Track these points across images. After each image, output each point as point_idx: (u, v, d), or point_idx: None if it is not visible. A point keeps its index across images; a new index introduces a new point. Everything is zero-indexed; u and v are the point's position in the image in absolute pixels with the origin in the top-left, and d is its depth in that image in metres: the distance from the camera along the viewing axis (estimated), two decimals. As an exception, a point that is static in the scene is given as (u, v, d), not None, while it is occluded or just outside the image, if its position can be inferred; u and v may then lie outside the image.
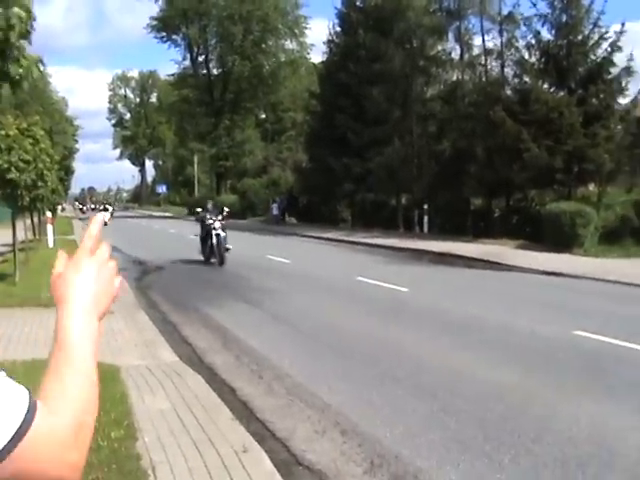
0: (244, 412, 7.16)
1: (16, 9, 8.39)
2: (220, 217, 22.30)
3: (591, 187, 32.14)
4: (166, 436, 5.99)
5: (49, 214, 30.30)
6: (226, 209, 23.41)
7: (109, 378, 7.52)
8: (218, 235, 21.58)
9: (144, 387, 7.63)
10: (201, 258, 22.57)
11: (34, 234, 29.40)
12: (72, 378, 1.09)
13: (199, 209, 23.85)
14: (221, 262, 21.56)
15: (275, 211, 52.18)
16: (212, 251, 21.81)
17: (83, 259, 1.20)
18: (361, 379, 8.46)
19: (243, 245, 27.39)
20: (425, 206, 37.13)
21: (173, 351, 9.83)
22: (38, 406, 1.01)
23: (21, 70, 8.56)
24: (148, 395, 7.28)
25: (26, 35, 8.55)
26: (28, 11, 8.68)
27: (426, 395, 7.65)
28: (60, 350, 1.12)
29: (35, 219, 29.83)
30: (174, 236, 39.39)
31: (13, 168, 14.35)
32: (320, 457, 5.92)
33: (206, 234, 22.15)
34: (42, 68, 9.64)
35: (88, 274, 1.19)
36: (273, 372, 8.87)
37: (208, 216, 22.32)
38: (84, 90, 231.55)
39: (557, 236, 24.79)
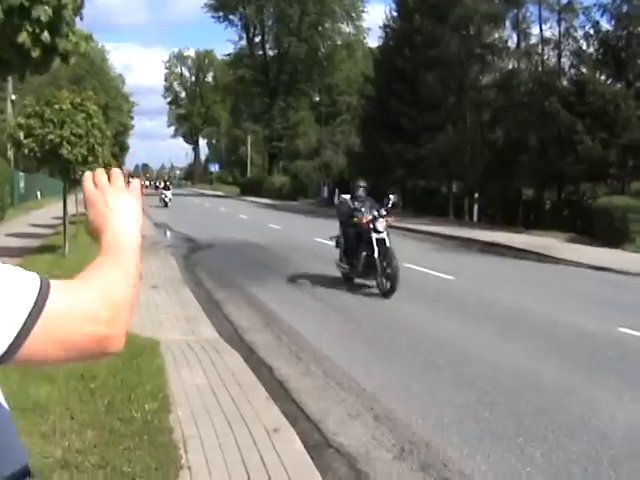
0: (279, 392, 7.20)
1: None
2: (384, 211, 13.46)
3: (646, 182, 31.59)
4: (199, 411, 6.05)
5: (101, 189, 30.66)
6: (392, 197, 14.02)
7: (148, 351, 7.63)
8: (382, 242, 13.03)
9: (182, 362, 7.71)
10: (337, 274, 14.63)
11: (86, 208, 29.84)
12: (108, 266, 1.25)
13: (345, 195, 14.99)
14: (390, 289, 12.75)
15: (325, 194, 52.17)
16: (370, 269, 13.21)
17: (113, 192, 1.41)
18: (400, 365, 8.44)
19: (292, 226, 27.50)
20: (476, 195, 36.84)
21: (214, 328, 9.91)
22: (52, 285, 1.12)
23: (69, 45, 8.67)
24: (185, 370, 7.36)
25: (77, 11, 8.65)
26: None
27: (464, 385, 7.60)
28: (105, 253, 1.28)
29: (87, 193, 30.22)
30: (225, 215, 39.77)
31: (65, 142, 14.54)
32: (351, 440, 5.92)
33: (357, 239, 13.62)
34: (92, 44, 9.79)
35: (123, 198, 1.40)
36: (312, 354, 8.89)
37: (363, 209, 13.64)
38: (141, 67, 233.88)
39: (608, 231, 24.40)
